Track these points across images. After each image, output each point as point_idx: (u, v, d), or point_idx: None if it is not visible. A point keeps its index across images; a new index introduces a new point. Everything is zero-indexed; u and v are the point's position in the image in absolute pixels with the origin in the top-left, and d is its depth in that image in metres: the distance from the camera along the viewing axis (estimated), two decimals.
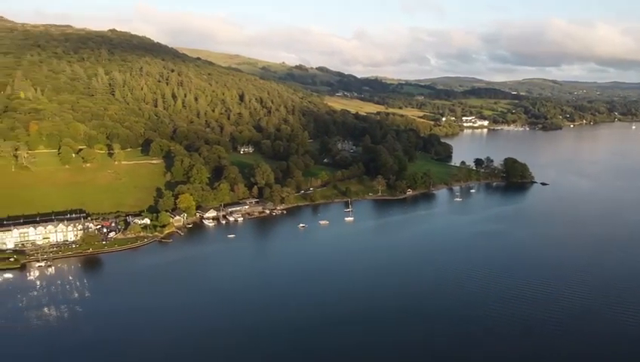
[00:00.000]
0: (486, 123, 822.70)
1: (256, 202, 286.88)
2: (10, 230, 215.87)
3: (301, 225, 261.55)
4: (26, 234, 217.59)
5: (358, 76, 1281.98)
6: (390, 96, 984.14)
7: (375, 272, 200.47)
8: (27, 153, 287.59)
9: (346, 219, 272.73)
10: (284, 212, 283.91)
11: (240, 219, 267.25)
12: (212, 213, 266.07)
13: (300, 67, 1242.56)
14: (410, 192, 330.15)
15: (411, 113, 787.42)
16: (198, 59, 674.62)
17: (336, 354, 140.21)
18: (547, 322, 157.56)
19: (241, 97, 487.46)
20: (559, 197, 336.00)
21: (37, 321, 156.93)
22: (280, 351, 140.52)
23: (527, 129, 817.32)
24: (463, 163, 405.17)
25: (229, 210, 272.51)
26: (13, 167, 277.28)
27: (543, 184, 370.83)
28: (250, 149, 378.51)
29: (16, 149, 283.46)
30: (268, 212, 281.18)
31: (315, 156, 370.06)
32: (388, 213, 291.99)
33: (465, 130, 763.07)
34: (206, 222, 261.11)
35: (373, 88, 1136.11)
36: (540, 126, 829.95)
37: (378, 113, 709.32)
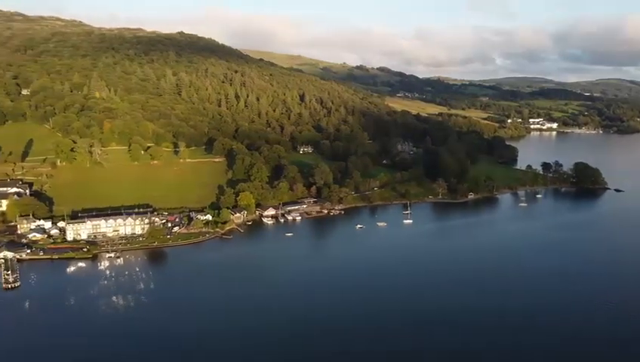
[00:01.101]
0: (555, 125, 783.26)
1: (315, 202, 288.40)
2: (84, 222, 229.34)
3: (358, 225, 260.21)
4: (98, 227, 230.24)
5: (420, 76, 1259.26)
6: (453, 97, 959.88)
7: (434, 275, 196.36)
8: (100, 150, 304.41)
9: (405, 221, 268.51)
10: (342, 212, 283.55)
11: (298, 218, 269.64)
12: (271, 212, 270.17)
13: (360, 67, 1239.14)
14: (471, 196, 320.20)
15: (475, 114, 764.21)
16: (261, 60, 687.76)
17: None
18: None
19: (302, 98, 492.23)
20: (636, 205, 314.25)
21: (106, 309, 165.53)
22: (328, 349, 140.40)
23: (601, 132, 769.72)
24: (529, 167, 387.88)
25: (288, 208, 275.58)
26: (88, 162, 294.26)
27: (618, 191, 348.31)
28: (310, 149, 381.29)
29: (91, 146, 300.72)
30: (326, 212, 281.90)
31: (374, 157, 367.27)
32: (448, 217, 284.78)
33: (532, 133, 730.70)
34: (265, 220, 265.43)
35: (436, 89, 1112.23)
36: (615, 129, 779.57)
37: (440, 114, 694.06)
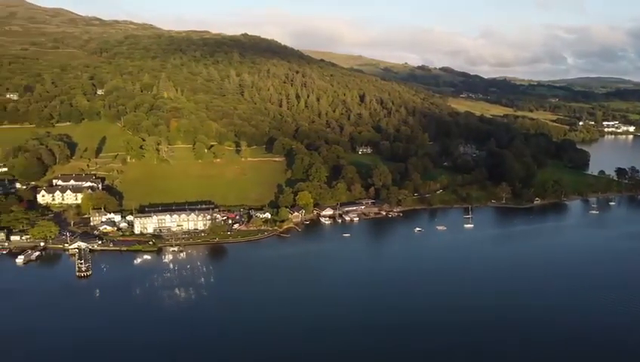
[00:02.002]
0: (632, 128, 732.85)
1: (373, 203, 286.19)
2: (150, 216, 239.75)
3: (417, 228, 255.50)
4: (163, 221, 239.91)
5: (485, 77, 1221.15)
6: (520, 98, 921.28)
7: (495, 283, 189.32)
8: (167, 147, 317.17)
9: (466, 226, 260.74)
10: (401, 214, 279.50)
11: (356, 219, 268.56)
12: (329, 212, 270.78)
13: (422, 68, 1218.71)
14: (537, 201, 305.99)
15: (543, 116, 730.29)
16: (322, 60, 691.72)
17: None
18: None
19: (362, 98, 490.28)
20: None
21: (168, 300, 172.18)
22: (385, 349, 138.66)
23: None
24: (601, 172, 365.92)
25: (345, 209, 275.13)
26: (155, 159, 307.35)
27: None
28: (369, 150, 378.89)
29: (158, 144, 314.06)
30: (384, 213, 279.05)
31: (434, 159, 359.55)
32: (512, 223, 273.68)
33: (606, 136, 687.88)
34: (323, 219, 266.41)
35: (501, 89, 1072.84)
36: None
37: (505, 116, 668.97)
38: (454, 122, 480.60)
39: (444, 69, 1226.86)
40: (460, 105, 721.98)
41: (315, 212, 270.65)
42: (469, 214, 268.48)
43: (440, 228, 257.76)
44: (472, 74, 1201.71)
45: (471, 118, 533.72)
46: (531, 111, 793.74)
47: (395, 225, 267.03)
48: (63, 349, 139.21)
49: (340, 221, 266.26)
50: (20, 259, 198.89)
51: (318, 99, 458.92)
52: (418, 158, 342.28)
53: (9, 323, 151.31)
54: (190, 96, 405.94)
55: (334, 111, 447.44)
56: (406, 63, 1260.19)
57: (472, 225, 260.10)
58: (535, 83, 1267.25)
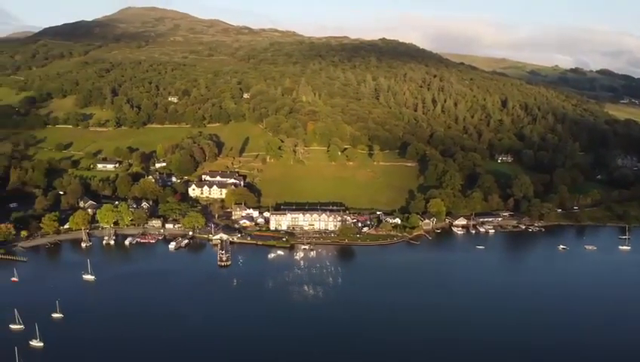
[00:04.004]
0: None
1: (511, 215, 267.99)
2: (285, 214, 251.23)
3: (561, 246, 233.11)
4: (296, 219, 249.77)
5: None
6: None
7: None
8: (303, 149, 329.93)
9: (621, 247, 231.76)
10: (542, 229, 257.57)
11: (491, 231, 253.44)
12: (462, 221, 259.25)
13: (575, 70, 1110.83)
14: None
15: None
16: (461, 64, 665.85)
17: None
18: None
19: (504, 103, 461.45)
20: None
21: (297, 296, 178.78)
22: None
23: None
24: None
25: (480, 220, 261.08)
26: (292, 160, 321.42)
27: None
28: (509, 158, 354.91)
29: (295, 145, 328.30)
30: (523, 227, 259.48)
31: (585, 171, 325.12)
32: None
33: None
34: (455, 229, 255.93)
35: None
36: None
37: None
38: (612, 131, 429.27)
39: (602, 72, 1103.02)
40: (620, 112, 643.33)
41: (447, 221, 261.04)
42: (625, 235, 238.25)
43: (589, 247, 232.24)
44: (636, 77, 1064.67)
45: (633, 127, 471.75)
46: None
47: (535, 241, 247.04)
48: (206, 333, 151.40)
49: (473, 232, 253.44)
50: (172, 245, 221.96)
51: (455, 104, 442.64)
52: (566, 170, 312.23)
53: (165, 302, 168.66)
54: (327, 99, 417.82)
55: (472, 116, 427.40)
56: (556, 66, 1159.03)
57: (628, 247, 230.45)
58: None
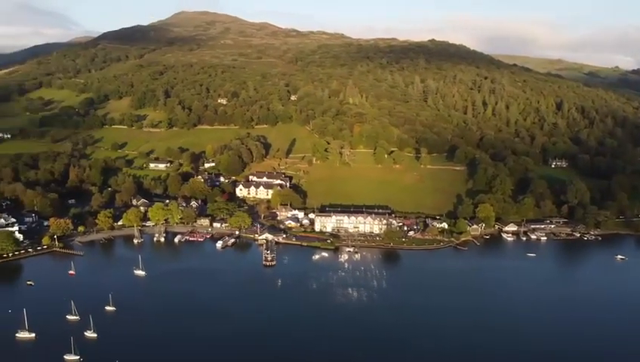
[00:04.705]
0: None
1: (565, 222, 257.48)
2: (330, 216, 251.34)
3: (619, 256, 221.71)
4: (341, 222, 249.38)
5: None
6: None
7: None
8: (349, 151, 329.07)
9: None
10: (599, 238, 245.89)
11: (543, 238, 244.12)
12: (512, 228, 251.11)
13: (637, 72, 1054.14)
14: None
15: None
16: (514, 65, 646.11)
17: None
18: None
19: (559, 106, 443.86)
20: None
21: (341, 298, 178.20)
22: None
23: None
24: None
25: (532, 226, 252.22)
26: (338, 162, 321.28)
27: None
28: (564, 163, 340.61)
29: (341, 147, 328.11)
30: (578, 235, 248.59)
31: None
32: None
33: None
34: (504, 235, 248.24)
35: None
36: None
37: None
38: None
39: None
40: None
41: (496, 226, 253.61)
42: None
43: None
44: None
45: None
46: None
47: (590, 250, 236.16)
48: (250, 331, 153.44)
49: (524, 239, 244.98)
50: (219, 244, 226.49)
51: (507, 107, 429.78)
52: (626, 176, 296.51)
53: (211, 299, 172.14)
54: (374, 102, 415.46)
55: (525, 119, 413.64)
56: (616, 67, 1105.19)
57: None
58: None
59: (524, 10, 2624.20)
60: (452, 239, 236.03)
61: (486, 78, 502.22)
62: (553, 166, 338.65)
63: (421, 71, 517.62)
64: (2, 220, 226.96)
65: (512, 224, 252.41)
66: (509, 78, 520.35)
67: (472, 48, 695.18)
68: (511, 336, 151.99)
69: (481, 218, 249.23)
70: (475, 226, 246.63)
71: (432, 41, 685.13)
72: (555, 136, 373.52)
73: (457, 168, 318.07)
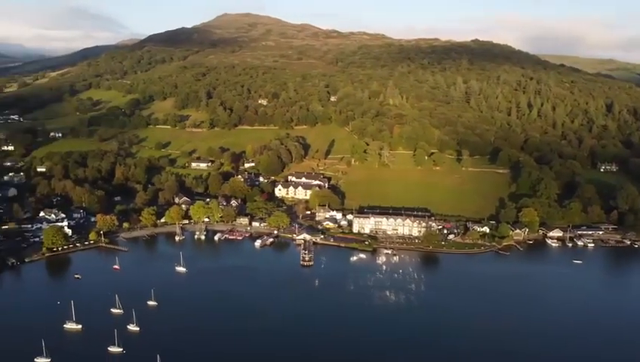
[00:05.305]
0: None
1: (614, 229, 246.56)
2: (368, 217, 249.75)
3: None
4: (379, 223, 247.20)
5: None
6: None
7: None
8: (389, 153, 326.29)
9: None
10: None
11: (590, 245, 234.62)
12: (557, 233, 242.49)
13: None
14: None
15: None
16: (562, 65, 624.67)
17: None
18: None
19: (609, 107, 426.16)
20: None
21: (379, 301, 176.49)
22: None
23: None
24: None
25: (578, 232, 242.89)
26: (377, 163, 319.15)
27: None
28: (614, 168, 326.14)
29: (381, 149, 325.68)
30: (628, 242, 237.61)
31: None
32: None
33: None
34: (549, 241, 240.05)
35: None
36: None
37: None
38: None
39: None
40: None
41: (540, 232, 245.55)
42: None
43: None
44: None
45: None
46: None
47: None
48: (287, 330, 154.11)
49: (570, 245, 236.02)
50: (257, 243, 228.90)
51: (553, 108, 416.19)
52: None
53: (250, 298, 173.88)
54: (415, 103, 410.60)
55: (573, 121, 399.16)
56: None
57: None
58: None
59: (573, 9, 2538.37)
60: (494, 243, 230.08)
61: (531, 78, 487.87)
62: (602, 170, 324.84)
63: (464, 71, 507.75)
64: (53, 216, 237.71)
65: (557, 229, 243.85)
66: (555, 79, 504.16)
67: (517, 48, 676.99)
68: (554, 344, 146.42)
69: (524, 222, 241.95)
70: (517, 231, 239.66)
71: (476, 41, 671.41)
72: (604, 139, 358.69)
73: (500, 171, 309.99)
